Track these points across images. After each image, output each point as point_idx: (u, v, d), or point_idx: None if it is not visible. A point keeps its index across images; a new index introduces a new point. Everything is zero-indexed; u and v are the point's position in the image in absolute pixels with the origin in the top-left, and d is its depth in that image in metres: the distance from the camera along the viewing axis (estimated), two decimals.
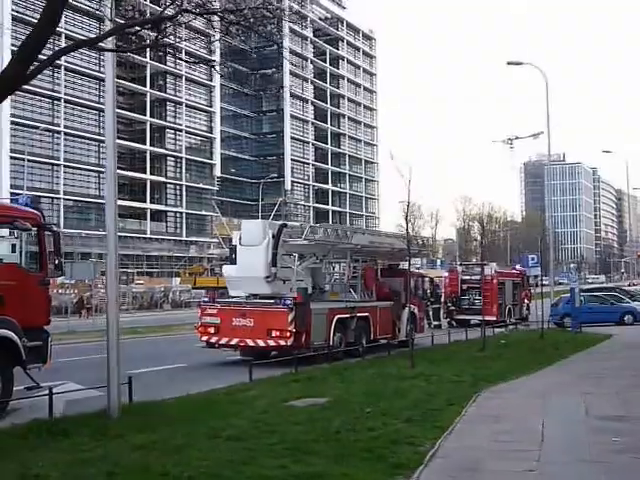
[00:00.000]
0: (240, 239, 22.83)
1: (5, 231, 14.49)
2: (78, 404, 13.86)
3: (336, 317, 23.12)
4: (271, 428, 11.37)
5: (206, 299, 23.65)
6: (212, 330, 22.62)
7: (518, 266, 47.74)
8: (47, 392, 12.65)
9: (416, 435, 10.95)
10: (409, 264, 23.34)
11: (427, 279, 35.40)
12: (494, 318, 37.30)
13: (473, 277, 40.95)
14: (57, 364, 16.91)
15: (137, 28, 10.65)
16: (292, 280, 22.71)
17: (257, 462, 9.22)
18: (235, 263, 23.00)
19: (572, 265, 42.75)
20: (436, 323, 38.49)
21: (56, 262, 14.58)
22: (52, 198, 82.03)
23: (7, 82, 9.10)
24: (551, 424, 11.59)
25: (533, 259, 39.86)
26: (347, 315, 23.74)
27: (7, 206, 15.28)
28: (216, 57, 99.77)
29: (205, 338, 22.90)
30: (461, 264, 55.68)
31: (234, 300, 23.22)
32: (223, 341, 22.51)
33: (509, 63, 43.43)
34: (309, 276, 24.30)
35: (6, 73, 8.99)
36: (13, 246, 14.45)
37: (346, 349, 23.29)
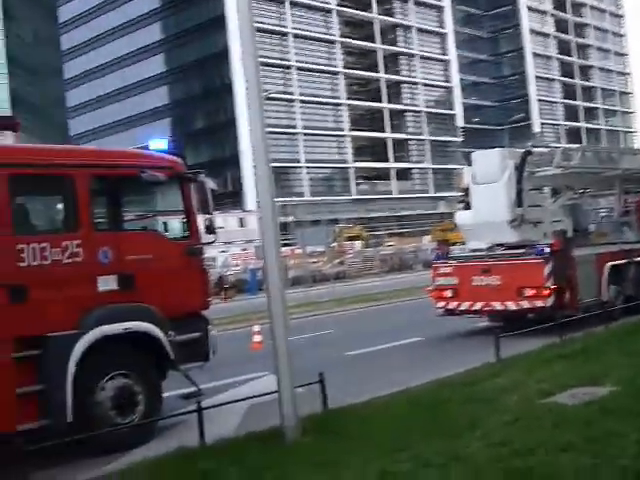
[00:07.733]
0: (473, 176, 18.01)
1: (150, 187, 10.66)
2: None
3: (608, 264, 17.79)
4: (521, 463, 6.68)
5: (437, 255, 19.07)
6: (449, 294, 17.84)
7: None
8: (196, 406, 8.78)
9: None
10: None
11: None
12: None
13: None
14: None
15: None
16: (545, 222, 17.66)
17: None
18: (470, 207, 18.21)
19: None
20: None
21: (207, 223, 10.61)
22: (295, 167, 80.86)
23: None
24: None
25: None
26: (623, 261, 18.31)
27: (132, 153, 11.06)
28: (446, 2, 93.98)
29: (442, 304, 18.15)
30: None
31: (472, 254, 18.36)
32: (464, 306, 17.67)
33: None
34: (567, 216, 18.99)
35: None
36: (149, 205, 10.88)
37: (625, 305, 17.90)
